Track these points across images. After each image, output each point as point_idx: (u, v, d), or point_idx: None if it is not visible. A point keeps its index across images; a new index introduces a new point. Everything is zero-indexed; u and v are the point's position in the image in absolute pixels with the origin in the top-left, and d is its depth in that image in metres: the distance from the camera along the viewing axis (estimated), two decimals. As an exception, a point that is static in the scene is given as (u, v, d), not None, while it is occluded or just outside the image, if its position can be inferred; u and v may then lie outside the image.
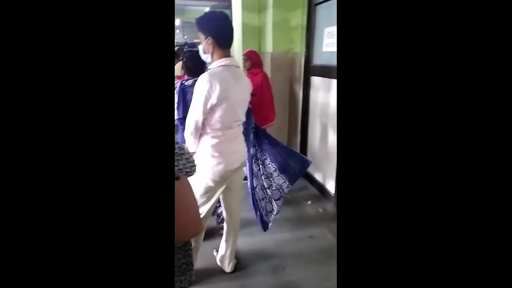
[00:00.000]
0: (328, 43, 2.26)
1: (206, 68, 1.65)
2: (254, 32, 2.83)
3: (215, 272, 1.62)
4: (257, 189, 1.61)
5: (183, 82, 1.58)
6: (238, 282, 1.56)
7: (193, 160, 0.84)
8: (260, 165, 1.66)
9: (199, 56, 1.67)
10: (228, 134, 1.26)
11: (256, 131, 1.63)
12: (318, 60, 2.45)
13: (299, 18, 2.55)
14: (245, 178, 1.57)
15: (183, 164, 0.80)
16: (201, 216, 1.29)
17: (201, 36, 1.19)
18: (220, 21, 1.17)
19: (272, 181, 1.68)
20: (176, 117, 1.55)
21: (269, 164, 1.67)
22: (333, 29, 2.18)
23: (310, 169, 2.73)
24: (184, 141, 1.29)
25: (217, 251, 1.68)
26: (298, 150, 2.83)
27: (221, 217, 1.88)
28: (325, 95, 2.35)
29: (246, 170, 1.64)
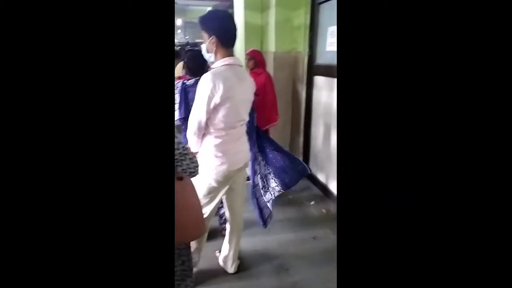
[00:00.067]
0: (331, 42, 2.24)
1: (208, 67, 1.64)
2: (256, 31, 2.82)
3: (218, 273, 1.61)
4: (258, 187, 1.67)
5: (185, 82, 1.57)
6: (241, 283, 1.55)
7: (197, 161, 0.83)
8: (258, 165, 1.71)
9: (200, 56, 1.66)
10: (231, 134, 1.25)
11: (257, 132, 1.63)
12: (321, 59, 2.44)
13: (302, 17, 2.53)
14: (248, 179, 1.57)
15: (187, 164, 0.79)
16: (204, 216, 1.28)
17: (204, 35, 1.18)
18: (223, 20, 1.16)
19: (266, 182, 1.72)
20: (178, 117, 1.54)
21: (265, 166, 1.71)
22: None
23: (313, 169, 2.71)
24: (187, 141, 1.28)
25: (219, 252, 1.67)
26: (300, 150, 2.82)
27: (224, 217, 1.87)
28: (328, 94, 2.33)
29: (248, 170, 1.65)
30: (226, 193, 1.41)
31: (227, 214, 1.56)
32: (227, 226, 1.58)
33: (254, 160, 1.70)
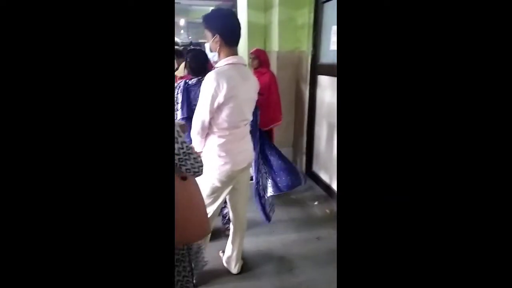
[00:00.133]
0: (335, 41, 2.23)
1: (211, 66, 1.64)
2: (259, 30, 2.81)
3: (222, 273, 1.60)
4: (260, 185, 1.74)
5: (187, 81, 1.57)
6: (245, 284, 1.54)
7: (201, 160, 0.82)
8: (262, 164, 1.80)
9: (202, 55, 1.65)
10: (235, 133, 1.24)
11: (259, 133, 1.65)
12: (325, 58, 2.42)
13: (305, 16, 2.52)
14: (252, 178, 1.57)
15: (191, 164, 0.78)
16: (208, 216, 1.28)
17: (208, 34, 1.18)
18: (227, 18, 1.15)
19: (261, 180, 1.81)
20: (180, 116, 1.53)
21: (262, 165, 1.80)
22: (341, 27, 2.14)
23: (316, 169, 2.70)
24: (191, 140, 1.27)
25: (223, 252, 1.66)
26: (304, 150, 2.81)
27: (227, 217, 1.87)
28: (332, 94, 2.32)
29: (252, 170, 1.65)
30: (230, 193, 1.40)
31: (230, 215, 1.55)
32: (231, 226, 1.58)
33: (258, 158, 1.71)
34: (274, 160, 1.84)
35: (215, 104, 1.13)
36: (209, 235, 1.48)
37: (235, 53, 1.19)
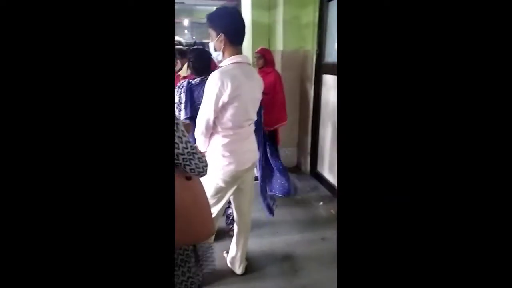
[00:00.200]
0: (340, 40, 2.20)
1: (214, 65, 1.62)
2: (263, 30, 2.79)
3: (226, 274, 1.59)
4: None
5: (190, 81, 1.56)
6: (249, 285, 1.53)
7: (206, 160, 0.81)
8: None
9: (205, 54, 1.64)
10: (239, 133, 1.23)
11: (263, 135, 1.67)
12: (330, 57, 2.40)
13: (310, 15, 2.50)
14: (256, 179, 1.56)
15: (196, 164, 0.77)
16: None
17: (212, 33, 1.16)
18: (231, 17, 1.14)
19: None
20: (184, 116, 1.53)
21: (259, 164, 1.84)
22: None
23: (321, 170, 2.68)
24: (195, 140, 1.26)
25: (227, 252, 1.65)
26: (308, 151, 2.79)
27: (231, 218, 1.86)
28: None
29: (256, 170, 1.65)
30: (234, 193, 1.39)
31: (234, 215, 1.54)
32: (235, 227, 1.57)
33: (262, 157, 1.71)
34: (270, 165, 1.87)
35: (220, 104, 1.12)
36: (213, 236, 1.47)
37: (239, 52, 1.17)
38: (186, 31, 8.53)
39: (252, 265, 1.65)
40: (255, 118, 1.30)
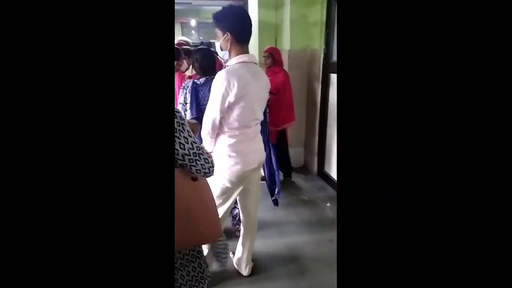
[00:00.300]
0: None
1: (219, 65, 1.61)
2: (270, 29, 2.78)
3: (232, 275, 1.58)
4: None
5: (195, 81, 1.55)
6: (256, 286, 1.52)
7: (212, 161, 0.80)
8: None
9: (210, 54, 1.63)
10: (246, 133, 1.22)
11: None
12: (338, 56, 2.37)
13: (318, 14, 2.47)
14: (263, 179, 1.55)
15: (202, 164, 0.76)
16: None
17: (219, 32, 1.15)
18: (238, 16, 1.13)
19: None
20: (189, 117, 1.52)
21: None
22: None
23: (328, 170, 2.65)
24: (201, 140, 1.26)
25: (233, 253, 1.64)
26: (315, 151, 2.76)
27: (237, 218, 1.85)
28: (345, 93, 2.26)
29: (262, 170, 1.63)
30: (240, 194, 1.38)
31: (241, 216, 1.53)
32: (241, 227, 1.56)
33: (268, 158, 1.70)
34: (269, 168, 1.86)
35: (226, 104, 1.11)
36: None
37: (246, 51, 1.16)
38: (193, 31, 8.58)
39: (259, 266, 1.64)
40: (262, 117, 1.29)
